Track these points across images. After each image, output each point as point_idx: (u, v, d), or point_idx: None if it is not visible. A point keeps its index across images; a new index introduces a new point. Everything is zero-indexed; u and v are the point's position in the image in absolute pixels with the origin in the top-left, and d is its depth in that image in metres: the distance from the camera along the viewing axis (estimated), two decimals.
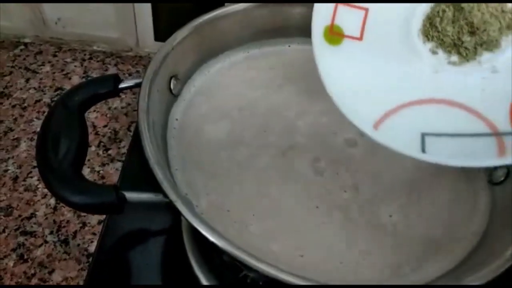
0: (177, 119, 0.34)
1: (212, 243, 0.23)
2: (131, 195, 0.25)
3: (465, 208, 0.32)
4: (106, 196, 0.25)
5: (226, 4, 0.38)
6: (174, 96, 0.35)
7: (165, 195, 0.25)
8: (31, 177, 0.45)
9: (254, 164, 0.33)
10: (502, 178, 0.33)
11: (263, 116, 0.36)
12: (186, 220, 0.24)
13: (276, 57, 0.41)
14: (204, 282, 0.35)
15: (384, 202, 0.32)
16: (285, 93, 0.38)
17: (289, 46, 0.41)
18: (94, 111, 0.51)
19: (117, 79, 0.31)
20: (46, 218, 0.42)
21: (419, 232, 0.31)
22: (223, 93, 0.37)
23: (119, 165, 0.47)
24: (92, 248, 0.40)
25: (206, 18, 0.36)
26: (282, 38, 0.41)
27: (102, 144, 0.48)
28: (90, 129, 0.49)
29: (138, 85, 0.30)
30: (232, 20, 0.38)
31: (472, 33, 0.28)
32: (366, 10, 0.31)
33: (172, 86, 0.34)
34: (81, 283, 0.38)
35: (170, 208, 0.25)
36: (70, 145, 0.26)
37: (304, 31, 0.41)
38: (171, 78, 0.34)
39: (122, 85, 0.31)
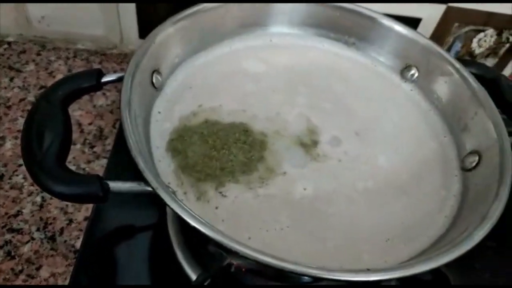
0: (159, 112, 0.35)
1: (194, 228, 0.24)
2: (115, 185, 0.26)
3: (438, 194, 0.33)
4: (90, 186, 0.25)
5: None
6: (156, 89, 0.36)
7: (147, 183, 0.25)
8: (17, 175, 0.45)
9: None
10: (474, 164, 0.34)
11: (245, 108, 0.37)
12: (168, 206, 0.24)
13: (259, 51, 0.41)
14: (189, 272, 0.36)
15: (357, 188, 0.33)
16: (268, 86, 0.39)
17: (271, 40, 0.42)
18: (79, 108, 0.51)
19: (100, 73, 0.31)
20: (33, 215, 0.42)
21: (394, 217, 0.32)
22: (205, 87, 0.38)
23: (104, 162, 0.47)
24: (79, 244, 0.41)
25: (187, 13, 0.37)
26: (265, 32, 0.42)
27: (87, 141, 0.49)
28: (75, 127, 0.50)
29: (121, 79, 0.30)
30: (214, 14, 0.38)
31: None
32: None
33: (154, 80, 0.35)
34: (69, 278, 0.39)
35: (155, 199, 0.25)
36: (54, 138, 0.27)
37: (286, 24, 0.43)
38: (153, 72, 0.35)
39: (104, 79, 0.31)
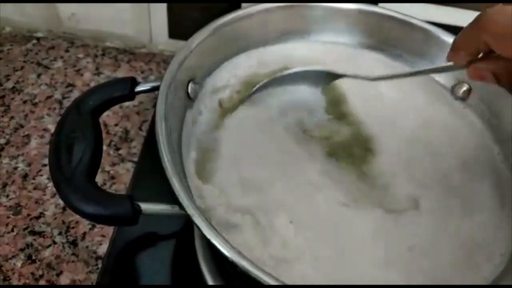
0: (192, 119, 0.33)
1: (227, 258, 0.22)
2: (147, 207, 0.24)
3: (495, 233, 0.30)
4: (121, 207, 0.24)
5: (243, 5, 0.36)
6: (191, 100, 0.34)
7: (182, 208, 0.24)
8: (41, 175, 0.44)
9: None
10: None
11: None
12: (204, 235, 0.22)
13: (299, 57, 0.39)
14: None
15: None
16: (306, 95, 0.37)
17: (311, 48, 0.40)
18: None
19: (133, 82, 0.30)
20: (55, 218, 0.41)
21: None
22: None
23: (129, 165, 0.46)
24: (101, 250, 0.39)
25: (226, 19, 0.34)
26: (304, 40, 0.40)
27: (113, 143, 0.47)
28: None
29: (155, 89, 0.29)
30: (252, 21, 0.36)
31: None
32: None
33: (189, 90, 0.33)
34: None
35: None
36: (83, 152, 0.25)
37: (325, 32, 0.40)
38: (189, 82, 0.33)
39: (138, 89, 0.30)
